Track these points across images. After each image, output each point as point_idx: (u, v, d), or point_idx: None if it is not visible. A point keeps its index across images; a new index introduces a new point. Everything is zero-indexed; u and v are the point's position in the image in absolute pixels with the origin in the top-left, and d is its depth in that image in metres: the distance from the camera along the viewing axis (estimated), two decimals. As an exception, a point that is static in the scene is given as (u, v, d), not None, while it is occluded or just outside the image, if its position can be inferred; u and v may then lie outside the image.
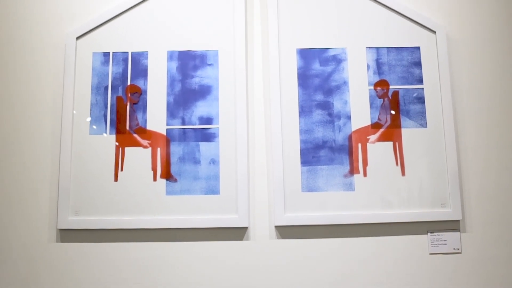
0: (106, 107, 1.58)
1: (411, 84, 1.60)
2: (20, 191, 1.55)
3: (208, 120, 1.57)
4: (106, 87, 1.59)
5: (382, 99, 1.59)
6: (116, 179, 1.54)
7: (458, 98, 1.62)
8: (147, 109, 1.58)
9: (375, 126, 1.57)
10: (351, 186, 1.54)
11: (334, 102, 1.58)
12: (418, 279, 1.51)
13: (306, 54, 1.61)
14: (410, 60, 1.61)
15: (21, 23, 1.64)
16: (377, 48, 1.61)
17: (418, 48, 1.61)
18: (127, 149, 1.55)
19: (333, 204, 1.53)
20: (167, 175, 1.54)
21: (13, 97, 1.60)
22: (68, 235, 1.52)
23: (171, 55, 1.61)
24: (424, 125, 1.57)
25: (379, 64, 1.60)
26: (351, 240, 1.53)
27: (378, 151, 1.56)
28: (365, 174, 1.55)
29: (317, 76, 1.60)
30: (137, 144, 1.56)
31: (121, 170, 1.54)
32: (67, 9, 1.65)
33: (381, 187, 1.54)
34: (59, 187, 1.52)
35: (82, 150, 1.55)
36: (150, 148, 1.56)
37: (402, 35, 1.62)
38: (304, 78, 1.59)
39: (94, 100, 1.58)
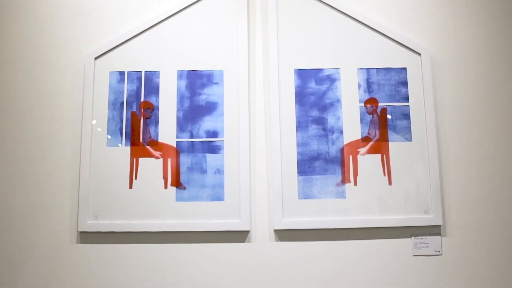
0: (122, 121, 1.61)
1: (398, 101, 1.62)
2: (45, 198, 1.59)
3: (214, 134, 1.60)
4: (122, 103, 1.61)
5: (371, 115, 1.62)
6: (130, 187, 1.57)
7: (440, 115, 1.64)
8: (158, 123, 1.60)
9: (365, 139, 1.60)
10: (343, 194, 1.57)
11: (328, 118, 1.61)
12: (403, 279, 1.55)
13: (303, 74, 1.63)
14: (397, 80, 1.63)
15: (45, 45, 1.67)
16: (368, 68, 1.64)
17: (404, 69, 1.64)
18: (140, 159, 1.58)
19: (327, 210, 1.56)
20: (177, 183, 1.57)
21: (38, 113, 1.63)
22: (87, 237, 1.56)
23: (180, 74, 1.63)
24: (409, 139, 1.60)
25: (369, 83, 1.63)
26: (342, 243, 1.56)
27: (368, 163, 1.59)
28: (355, 183, 1.58)
29: (312, 94, 1.62)
30: (149, 155, 1.59)
31: (135, 178, 1.57)
32: (86, 32, 1.68)
33: (370, 195, 1.57)
34: (80, 193, 1.56)
35: (100, 160, 1.58)
36: (161, 159, 1.59)
37: (390, 57, 1.64)
38: (301, 96, 1.62)
39: (111, 115, 1.61)
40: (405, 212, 1.57)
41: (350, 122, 1.61)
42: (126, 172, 1.58)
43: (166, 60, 1.64)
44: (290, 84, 1.63)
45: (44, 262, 1.56)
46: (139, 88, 1.63)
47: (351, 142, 1.60)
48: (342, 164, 1.59)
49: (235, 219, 1.56)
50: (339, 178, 1.58)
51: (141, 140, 1.60)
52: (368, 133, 1.61)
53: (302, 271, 1.56)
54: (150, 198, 1.57)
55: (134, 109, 1.62)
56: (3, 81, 1.65)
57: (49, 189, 1.60)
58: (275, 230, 1.57)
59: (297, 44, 1.66)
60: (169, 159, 1.59)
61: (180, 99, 1.62)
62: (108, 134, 1.60)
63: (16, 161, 1.61)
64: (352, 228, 1.56)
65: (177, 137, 1.60)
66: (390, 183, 1.58)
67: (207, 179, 1.58)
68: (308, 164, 1.59)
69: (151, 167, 1.58)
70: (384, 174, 1.59)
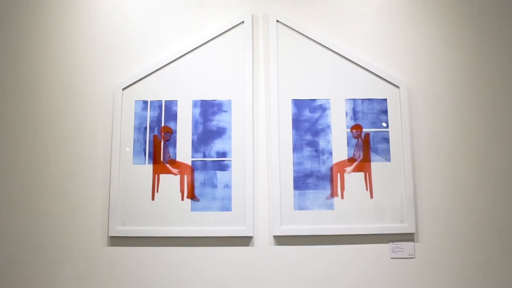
0: (145, 143, 1.71)
1: (379, 127, 1.72)
2: (81, 208, 1.69)
3: (223, 154, 1.70)
4: (145, 128, 1.72)
5: (356, 139, 1.71)
6: (153, 199, 1.68)
7: (415, 139, 1.73)
8: (176, 145, 1.70)
9: (351, 160, 1.70)
10: (331, 206, 1.67)
11: (319, 141, 1.71)
12: (382, 277, 1.65)
13: (299, 104, 1.74)
14: (379, 109, 1.73)
15: (80, 77, 1.78)
16: (354, 99, 1.74)
17: (385, 99, 1.74)
18: (161, 175, 1.69)
19: (318, 219, 1.66)
20: (192, 196, 1.67)
21: (72, 136, 1.74)
22: (116, 240, 1.67)
23: (195, 103, 1.74)
24: (388, 159, 1.70)
25: (355, 112, 1.73)
26: (331, 247, 1.67)
27: (353, 179, 1.69)
28: (342, 197, 1.68)
29: (307, 121, 1.72)
30: (169, 172, 1.69)
31: (157, 192, 1.68)
32: (114, 66, 1.79)
33: (355, 207, 1.67)
34: (110, 204, 1.67)
35: (127, 176, 1.69)
36: (179, 175, 1.69)
37: (373, 89, 1.75)
38: (297, 122, 1.73)
39: (136, 137, 1.71)
40: (384, 221, 1.68)
41: (338, 145, 1.72)
42: (148, 186, 1.69)
43: (183, 91, 1.76)
44: (287, 112, 1.74)
45: (80, 261, 1.68)
46: (160, 115, 1.74)
47: (339, 162, 1.71)
48: (331, 180, 1.69)
49: (240, 227, 1.66)
50: (329, 192, 1.69)
51: (161, 159, 1.71)
52: (354, 155, 1.71)
53: (297, 271, 1.66)
54: (169, 208, 1.68)
55: (156, 132, 1.73)
56: (43, 110, 1.78)
57: (85, 200, 1.71)
58: (274, 236, 1.67)
59: (294, 78, 1.77)
60: (185, 176, 1.70)
61: (195, 124, 1.73)
62: (133, 154, 1.71)
63: (57, 177, 1.73)
64: (339, 235, 1.67)
65: (192, 157, 1.71)
66: (371, 197, 1.69)
67: (217, 193, 1.68)
68: (302, 181, 1.69)
69: (170, 182, 1.70)
70: (367, 189, 1.69)
